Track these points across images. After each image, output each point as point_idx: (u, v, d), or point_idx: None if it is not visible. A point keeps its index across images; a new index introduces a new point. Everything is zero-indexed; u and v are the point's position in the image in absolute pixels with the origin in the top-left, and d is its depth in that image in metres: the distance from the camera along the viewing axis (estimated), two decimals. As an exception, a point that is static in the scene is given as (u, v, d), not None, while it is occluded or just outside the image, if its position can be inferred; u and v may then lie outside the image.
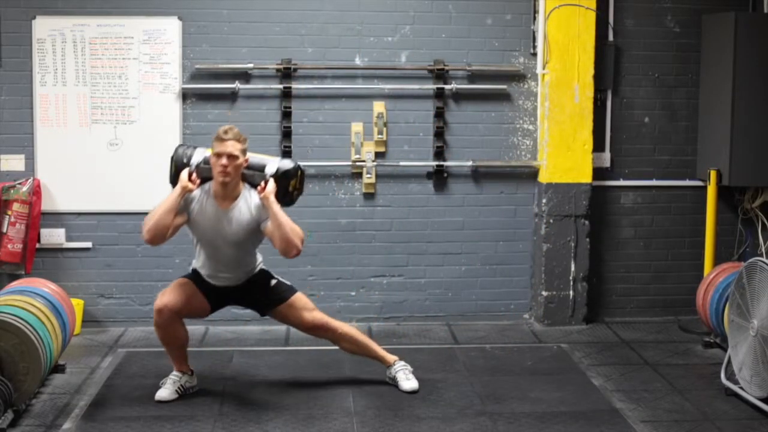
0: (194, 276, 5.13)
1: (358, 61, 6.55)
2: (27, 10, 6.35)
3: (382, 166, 6.59)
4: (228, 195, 4.94)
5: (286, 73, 6.48)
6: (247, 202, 4.95)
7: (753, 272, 5.04)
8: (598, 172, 6.70)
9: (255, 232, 4.98)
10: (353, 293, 6.65)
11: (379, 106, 6.55)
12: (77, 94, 6.41)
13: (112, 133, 6.46)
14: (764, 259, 4.99)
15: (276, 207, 4.82)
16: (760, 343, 4.91)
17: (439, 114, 6.58)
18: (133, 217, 6.49)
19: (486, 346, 6.15)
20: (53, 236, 6.46)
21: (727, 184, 6.47)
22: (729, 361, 5.30)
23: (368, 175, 6.58)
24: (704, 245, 6.50)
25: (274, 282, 5.16)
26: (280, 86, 6.49)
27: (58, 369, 5.52)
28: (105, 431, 4.69)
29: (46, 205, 6.40)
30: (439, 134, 6.59)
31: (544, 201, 6.57)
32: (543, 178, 6.60)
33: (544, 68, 6.54)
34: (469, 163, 6.64)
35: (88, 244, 6.51)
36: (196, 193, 4.95)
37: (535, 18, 6.58)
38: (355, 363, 5.64)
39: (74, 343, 5.97)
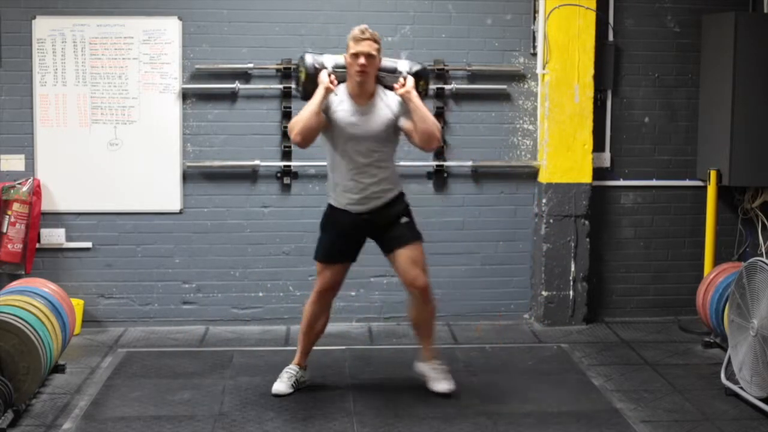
0: (325, 236, 5.15)
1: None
2: (27, 10, 6.35)
3: (382, 166, 6.59)
4: (364, 93, 5.00)
5: (286, 73, 6.48)
6: (384, 99, 5.04)
7: (753, 272, 5.04)
8: (598, 172, 6.70)
9: (393, 129, 5.05)
10: (353, 293, 6.65)
11: (379, 106, 6.55)
12: (77, 94, 6.41)
13: (112, 133, 6.46)
14: (764, 259, 5.00)
15: (418, 100, 4.94)
16: (760, 343, 4.91)
17: (439, 114, 6.58)
18: (133, 217, 6.50)
19: (486, 346, 6.15)
20: (53, 236, 6.46)
21: (727, 184, 6.47)
22: (729, 361, 5.30)
23: (368, 175, 6.57)
24: (704, 245, 6.50)
25: (405, 220, 5.16)
26: (280, 86, 6.49)
27: (58, 369, 5.52)
28: (105, 431, 4.69)
29: (46, 205, 6.40)
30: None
31: (544, 201, 6.57)
32: (543, 178, 6.60)
33: (544, 68, 6.54)
34: (469, 163, 6.64)
35: (88, 244, 6.50)
36: (334, 95, 5.01)
37: (535, 18, 6.58)
38: (355, 363, 5.65)
39: (74, 343, 5.98)
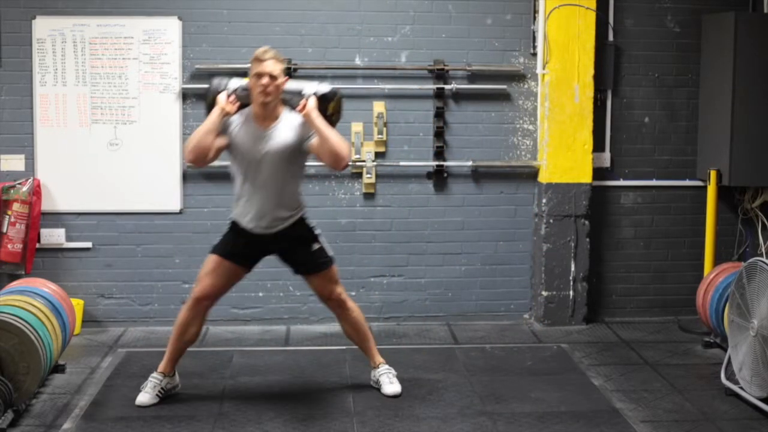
0: (230, 236, 5.04)
1: (358, 61, 6.55)
2: (27, 10, 6.35)
3: (382, 166, 6.60)
4: (268, 116, 4.89)
5: (286, 73, 6.46)
6: (289, 122, 4.93)
7: (753, 272, 5.04)
8: (598, 172, 6.70)
9: (298, 152, 4.94)
10: (353, 293, 6.63)
11: (379, 106, 6.55)
12: (77, 94, 6.41)
13: (112, 133, 6.46)
14: (764, 259, 5.00)
15: (320, 120, 4.80)
16: (760, 343, 4.91)
17: (439, 114, 6.58)
18: (133, 217, 6.50)
19: (486, 346, 6.15)
20: (53, 236, 6.46)
21: (727, 184, 6.47)
22: (729, 361, 5.30)
23: (368, 175, 6.58)
24: (704, 245, 6.50)
25: (316, 247, 5.09)
26: (280, 86, 6.49)
27: (58, 369, 5.52)
28: (105, 431, 4.69)
29: (46, 205, 6.40)
30: (439, 134, 6.59)
31: (544, 201, 6.57)
32: (543, 178, 6.60)
33: (544, 68, 6.54)
34: (469, 163, 6.64)
35: (88, 244, 6.51)
36: (236, 117, 4.91)
37: (535, 18, 6.58)
38: (355, 363, 5.65)
39: (74, 343, 5.98)
